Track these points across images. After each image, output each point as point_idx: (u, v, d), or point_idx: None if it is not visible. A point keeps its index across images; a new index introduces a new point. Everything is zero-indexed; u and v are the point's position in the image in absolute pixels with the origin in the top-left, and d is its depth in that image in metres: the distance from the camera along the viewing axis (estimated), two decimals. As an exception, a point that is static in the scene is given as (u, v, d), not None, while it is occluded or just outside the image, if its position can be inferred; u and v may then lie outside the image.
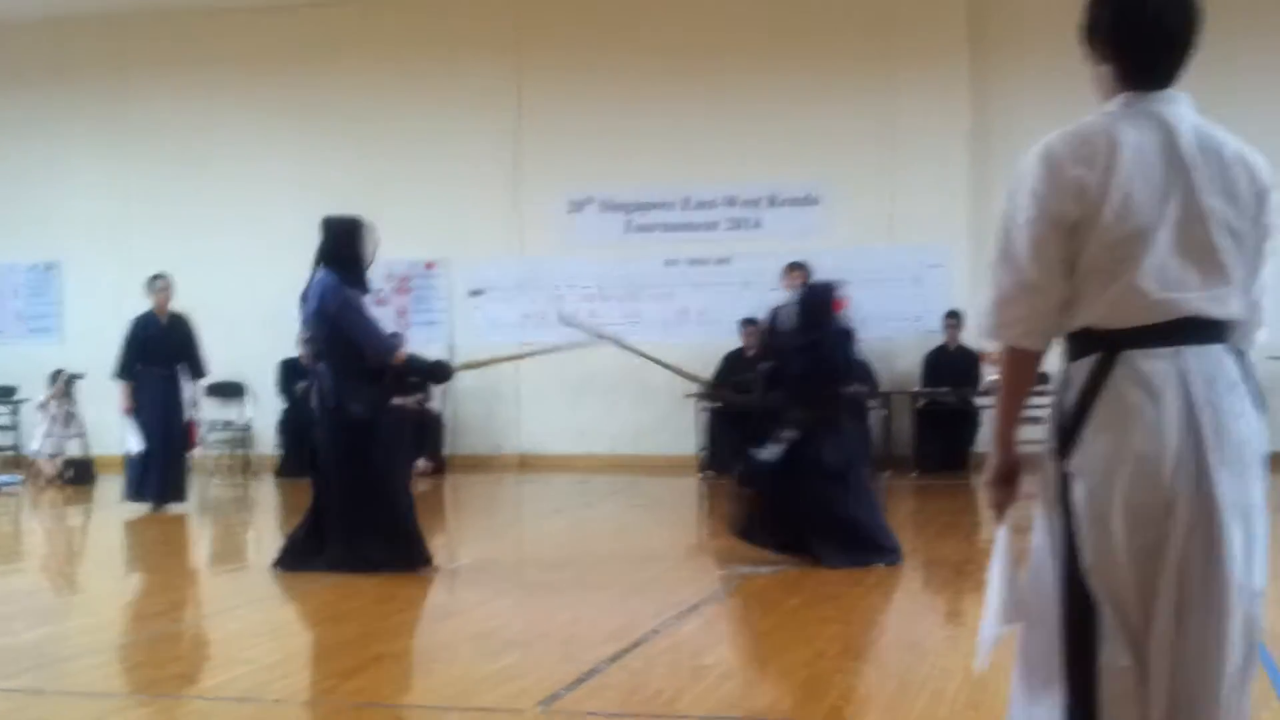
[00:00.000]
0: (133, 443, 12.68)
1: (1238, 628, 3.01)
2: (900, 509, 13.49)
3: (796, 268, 13.50)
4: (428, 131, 17.32)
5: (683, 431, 15.68)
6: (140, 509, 12.65)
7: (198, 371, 13.27)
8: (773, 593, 8.01)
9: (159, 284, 13.17)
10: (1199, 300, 3.03)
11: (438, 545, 10.52)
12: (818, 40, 16.23)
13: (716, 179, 16.60)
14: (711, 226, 16.78)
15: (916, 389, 15.66)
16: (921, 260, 16.10)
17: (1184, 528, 2.97)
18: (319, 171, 17.52)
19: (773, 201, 16.53)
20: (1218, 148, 3.11)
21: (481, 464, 16.85)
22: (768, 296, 16.10)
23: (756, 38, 16.42)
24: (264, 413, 17.22)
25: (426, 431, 16.67)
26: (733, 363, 15.83)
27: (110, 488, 13.66)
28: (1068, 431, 3.07)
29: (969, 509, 12.42)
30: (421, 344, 17.05)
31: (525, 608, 7.87)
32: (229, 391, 17.36)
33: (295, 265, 17.16)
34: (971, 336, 14.77)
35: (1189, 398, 2.99)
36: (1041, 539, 3.16)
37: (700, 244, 16.65)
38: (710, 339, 15.97)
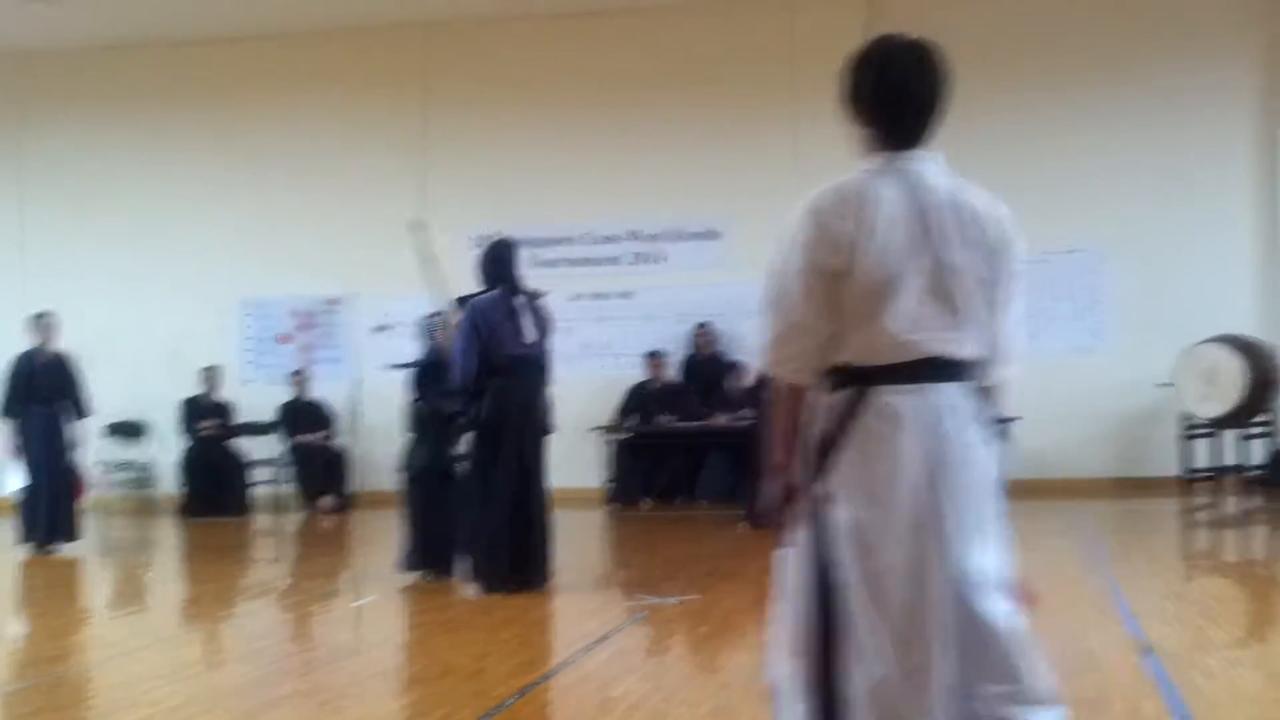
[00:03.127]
0: (17, 482, 12.55)
1: (991, 630, 3.31)
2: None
3: (701, 327, 13.90)
4: (332, 168, 17.30)
5: (588, 465, 15.71)
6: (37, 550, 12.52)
7: (82, 411, 13.10)
8: (680, 622, 8.06)
9: (43, 321, 13.04)
10: (941, 342, 3.36)
11: (343, 582, 10.49)
12: (719, 76, 16.39)
13: (620, 214, 16.72)
14: (615, 261, 16.87)
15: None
16: (823, 292, 16.26)
17: (931, 547, 3.29)
18: (222, 208, 17.47)
19: (676, 236, 16.65)
20: (966, 203, 3.43)
21: (388, 500, 16.72)
22: (672, 329, 16.30)
23: (660, 74, 16.58)
24: (165, 452, 17.02)
25: (332, 468, 16.59)
26: (638, 394, 15.92)
27: (4, 531, 13.44)
28: (823, 458, 3.39)
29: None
30: (326, 380, 17.05)
31: (431, 643, 7.85)
32: (129, 431, 17.18)
33: (196, 304, 17.24)
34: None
35: (931, 430, 3.33)
36: (802, 559, 3.43)
37: (604, 278, 16.74)
38: (615, 372, 16.06)
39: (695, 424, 15.51)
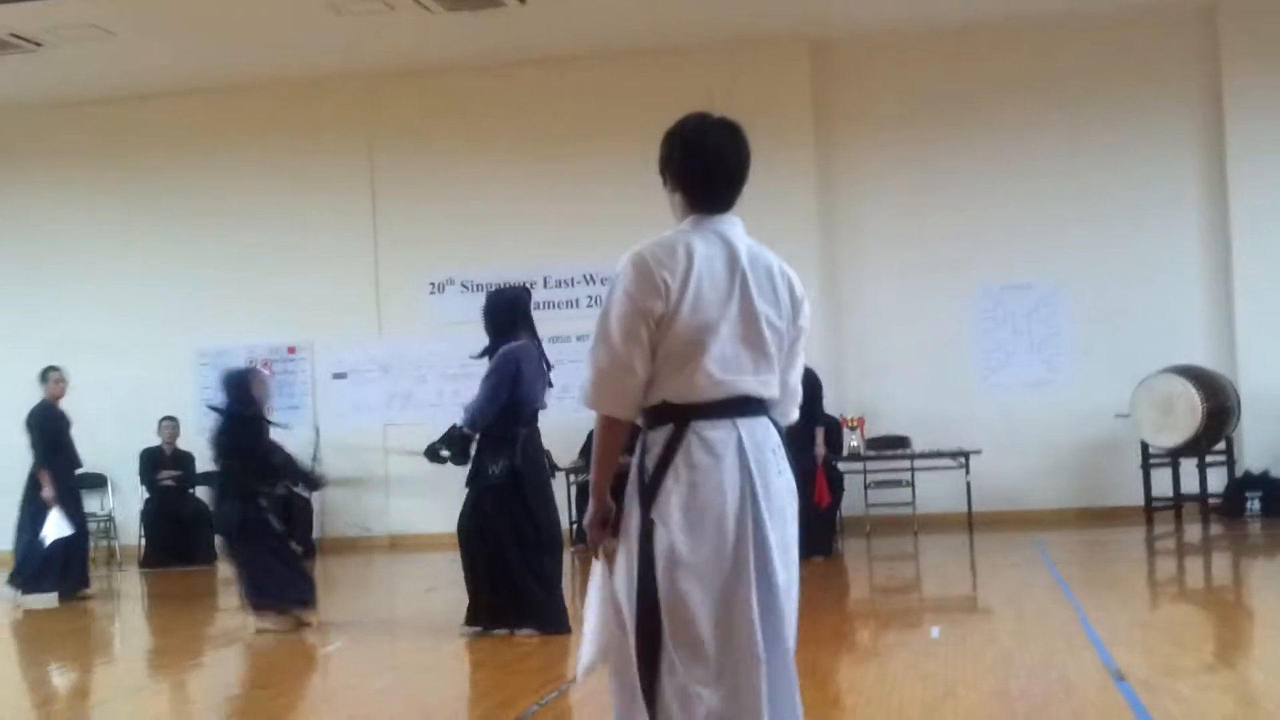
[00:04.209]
0: (54, 531, 12.48)
1: (789, 635, 3.74)
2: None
3: None
4: (286, 217, 17.26)
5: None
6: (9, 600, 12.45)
7: (76, 462, 13.28)
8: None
9: (55, 375, 13.06)
10: (751, 382, 3.77)
11: (311, 628, 10.46)
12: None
13: (575, 257, 16.72)
14: (572, 304, 16.90)
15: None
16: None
17: (747, 563, 3.65)
18: (176, 261, 17.38)
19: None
20: (765, 262, 3.88)
21: (351, 546, 16.73)
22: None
23: (608, 121, 16.61)
24: (125, 504, 16.93)
25: (295, 515, 16.49)
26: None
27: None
28: (650, 486, 3.73)
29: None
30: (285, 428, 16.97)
31: (404, 688, 7.84)
32: (91, 483, 17.00)
33: (152, 356, 17.12)
34: (832, 407, 14.89)
35: (743, 459, 3.70)
36: (622, 576, 3.76)
37: (561, 321, 16.72)
38: (576, 413, 15.98)
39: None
